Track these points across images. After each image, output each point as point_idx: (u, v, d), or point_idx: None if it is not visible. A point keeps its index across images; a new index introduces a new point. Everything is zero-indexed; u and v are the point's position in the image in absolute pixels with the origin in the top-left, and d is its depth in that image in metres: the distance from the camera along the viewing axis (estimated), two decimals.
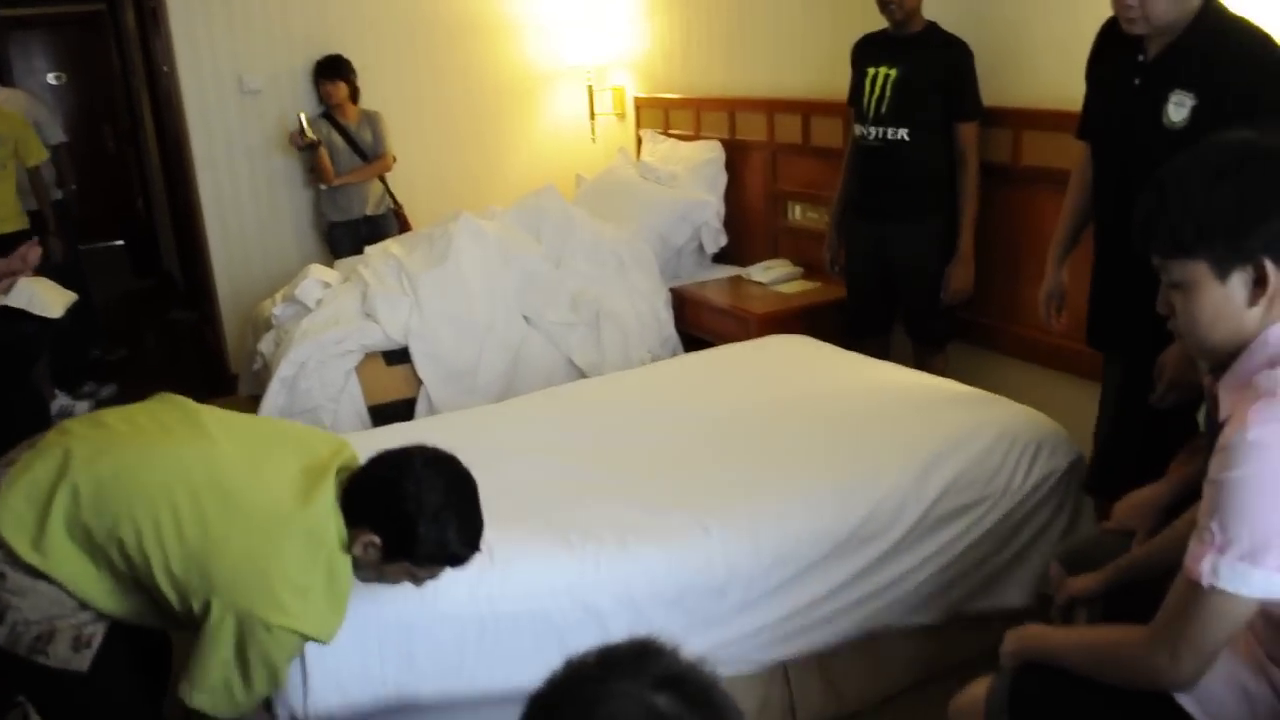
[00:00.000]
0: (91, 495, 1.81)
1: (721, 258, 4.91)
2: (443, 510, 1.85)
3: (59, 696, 1.95)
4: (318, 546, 1.85)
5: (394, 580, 1.97)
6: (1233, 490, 1.27)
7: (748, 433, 2.83)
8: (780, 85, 4.56)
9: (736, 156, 4.86)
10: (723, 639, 2.32)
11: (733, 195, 4.87)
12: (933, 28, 3.43)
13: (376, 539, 1.87)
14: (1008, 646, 1.67)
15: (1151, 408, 2.27)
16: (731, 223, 4.86)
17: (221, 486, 1.84)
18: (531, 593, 2.21)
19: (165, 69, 5.56)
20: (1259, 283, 1.34)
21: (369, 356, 3.90)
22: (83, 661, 1.89)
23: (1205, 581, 1.28)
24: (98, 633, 1.91)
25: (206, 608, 1.78)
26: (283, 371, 3.68)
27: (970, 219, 3.41)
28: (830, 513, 2.44)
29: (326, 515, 1.87)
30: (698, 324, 4.43)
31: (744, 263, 4.73)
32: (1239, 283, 1.35)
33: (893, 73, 3.42)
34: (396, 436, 2.98)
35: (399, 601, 2.10)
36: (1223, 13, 2.22)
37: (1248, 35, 2.17)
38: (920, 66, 3.38)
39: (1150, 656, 1.36)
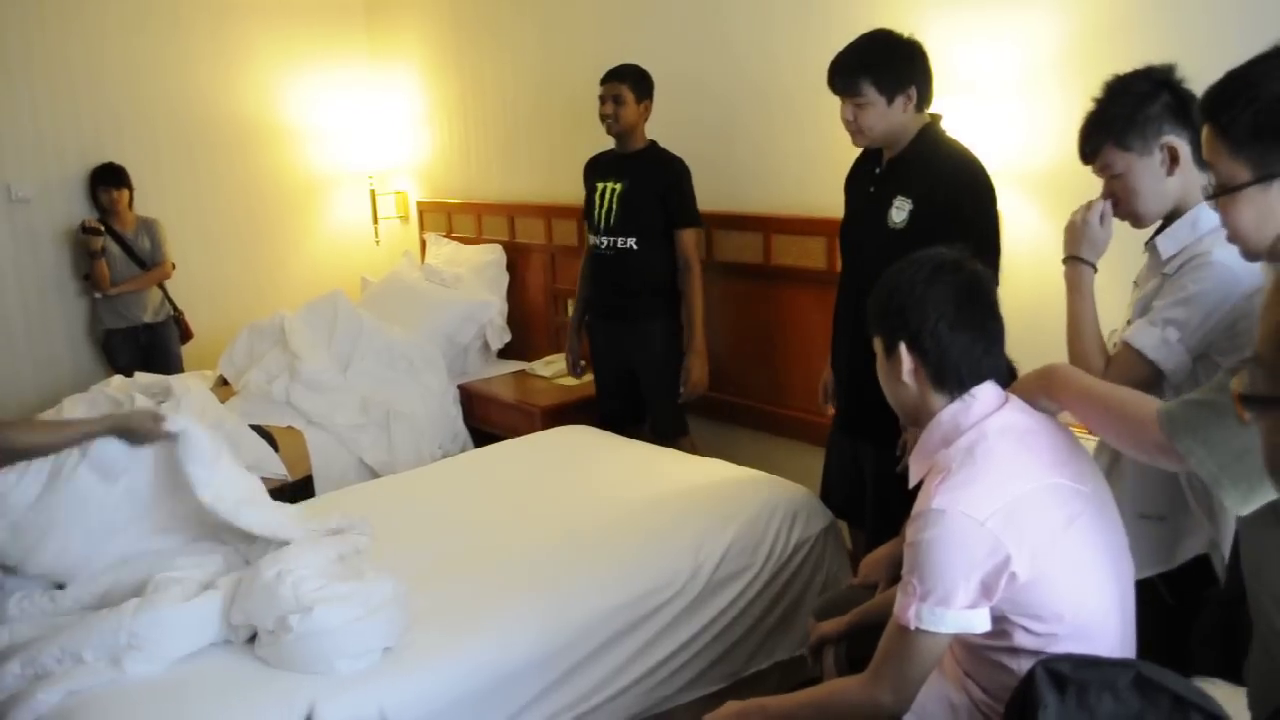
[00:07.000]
0: None
1: (506, 353, 5.10)
2: None
3: None
4: None
5: None
6: (925, 550, 1.53)
7: (538, 522, 2.97)
8: (555, 193, 4.86)
9: (517, 258, 5.11)
10: None
11: (515, 294, 5.11)
12: (652, 146, 3.79)
13: None
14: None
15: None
16: (514, 320, 5.08)
17: None
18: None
19: None
20: (910, 357, 1.66)
21: None
22: None
23: (911, 625, 1.54)
24: None
25: None
26: None
27: (698, 316, 3.69)
28: (618, 590, 2.60)
29: None
30: (486, 419, 4.59)
31: (528, 358, 4.95)
32: (898, 358, 1.67)
33: (618, 187, 3.76)
34: None
35: None
36: (938, 135, 2.67)
37: (955, 156, 2.63)
38: (641, 181, 3.72)
39: (872, 693, 1.61)
